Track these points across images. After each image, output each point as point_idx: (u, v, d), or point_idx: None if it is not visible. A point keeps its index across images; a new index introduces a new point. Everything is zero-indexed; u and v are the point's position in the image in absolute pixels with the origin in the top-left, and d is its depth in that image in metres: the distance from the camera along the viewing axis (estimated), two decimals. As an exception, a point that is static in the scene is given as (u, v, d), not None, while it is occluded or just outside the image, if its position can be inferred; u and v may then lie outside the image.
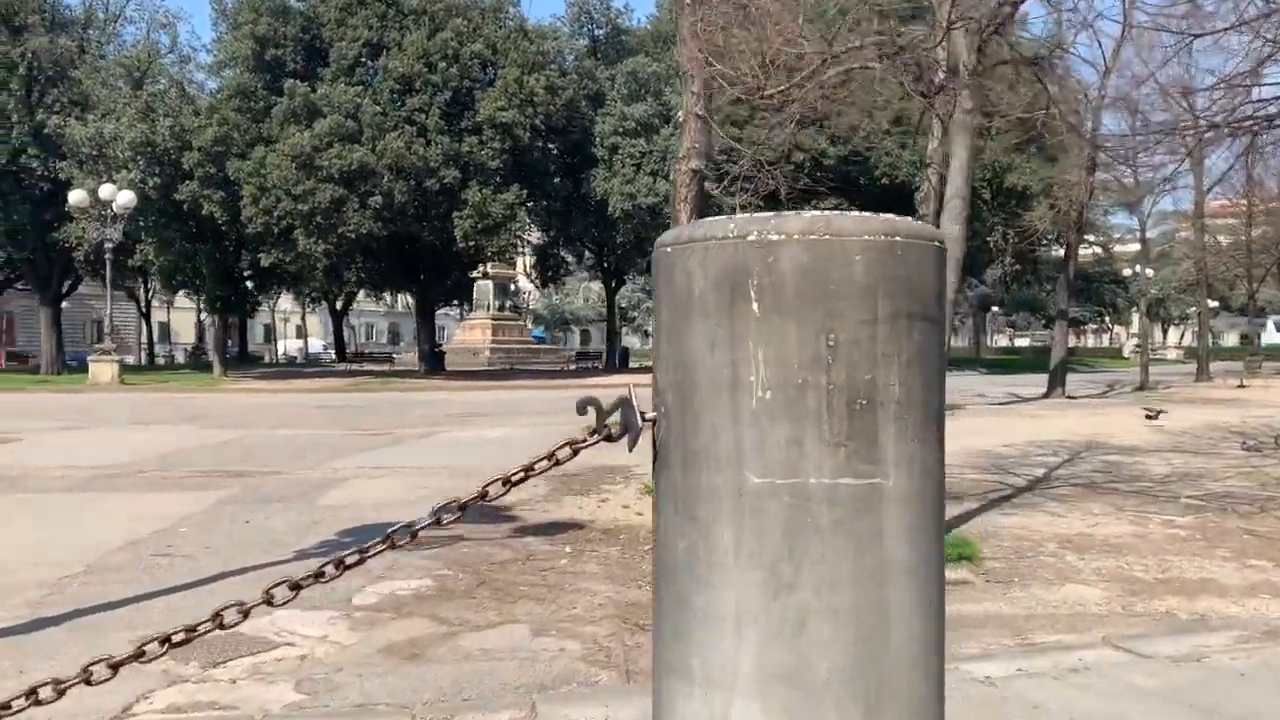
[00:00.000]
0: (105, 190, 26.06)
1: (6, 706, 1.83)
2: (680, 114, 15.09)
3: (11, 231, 31.91)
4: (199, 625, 1.82)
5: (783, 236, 1.68)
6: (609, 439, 1.91)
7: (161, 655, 1.89)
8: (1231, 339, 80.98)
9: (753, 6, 6.45)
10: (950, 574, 5.91)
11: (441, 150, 28.67)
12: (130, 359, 55.78)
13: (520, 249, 38.06)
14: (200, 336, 59.73)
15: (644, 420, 1.90)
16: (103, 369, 26.83)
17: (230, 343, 59.86)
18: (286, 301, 66.94)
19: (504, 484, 1.89)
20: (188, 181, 28.34)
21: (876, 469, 1.69)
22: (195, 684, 4.08)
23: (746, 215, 1.75)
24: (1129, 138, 11.45)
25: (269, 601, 1.83)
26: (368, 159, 27.46)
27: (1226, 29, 8.93)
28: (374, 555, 1.87)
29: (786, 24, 6.24)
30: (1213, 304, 49.57)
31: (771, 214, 1.73)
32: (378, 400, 23.07)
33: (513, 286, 52.30)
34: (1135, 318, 43.69)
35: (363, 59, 30.90)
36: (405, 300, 64.91)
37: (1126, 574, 5.99)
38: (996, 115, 20.29)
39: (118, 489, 9.18)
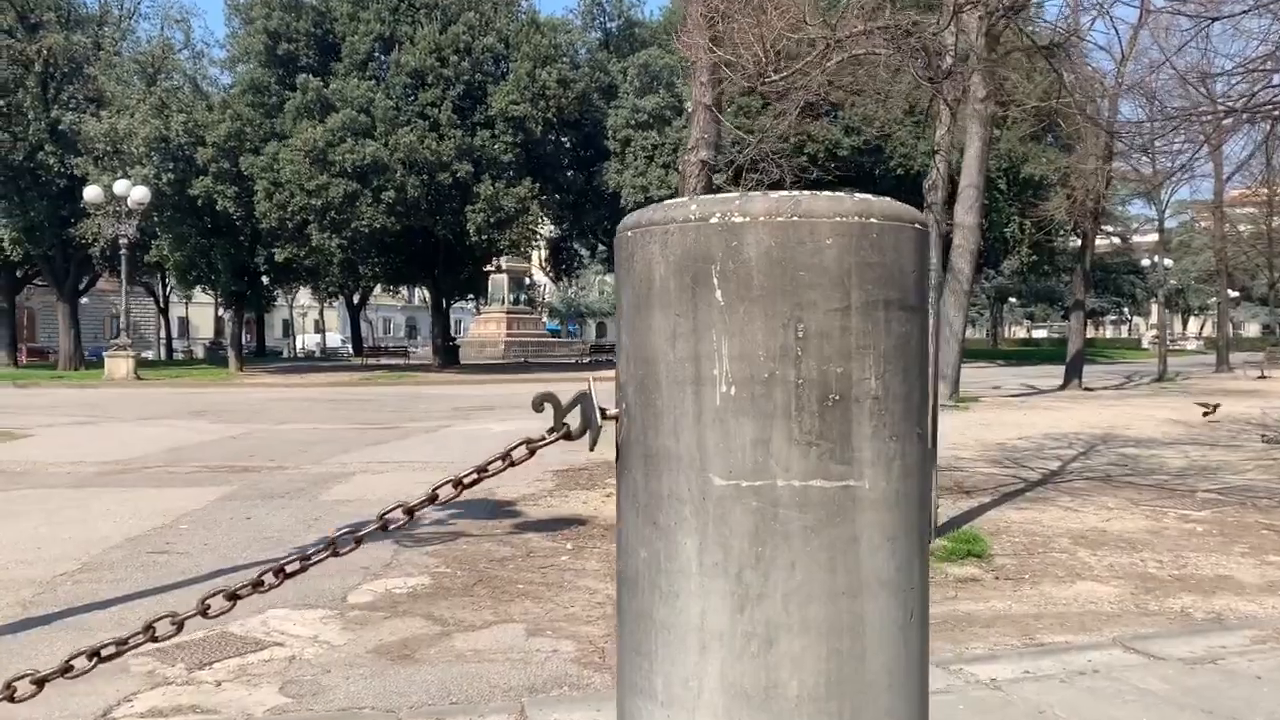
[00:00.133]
0: (120, 186, 26.11)
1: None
2: (689, 105, 14.95)
3: (29, 228, 32.04)
4: (101, 648, 1.70)
5: (747, 219, 1.56)
6: (568, 437, 1.79)
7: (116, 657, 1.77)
8: (1253, 329, 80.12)
9: (757, -9, 6.32)
10: (958, 571, 5.79)
11: (454, 144, 28.59)
12: (150, 354, 56.15)
13: (534, 243, 37.94)
14: (218, 331, 59.95)
15: (604, 417, 1.78)
16: (118, 364, 26.92)
17: (249, 338, 60.16)
18: (305, 296, 67.17)
19: (455, 486, 1.77)
20: (202, 177, 28.35)
21: (851, 470, 1.56)
22: (179, 686, 3.99)
23: (710, 196, 1.63)
24: (1145, 124, 11.23)
25: (204, 613, 1.72)
26: (380, 154, 27.41)
27: (1244, 12, 8.72)
28: (316, 563, 1.75)
29: (790, 8, 6.09)
30: (1233, 294, 49.06)
31: (736, 194, 1.60)
32: (389, 394, 23.05)
33: (527, 280, 52.25)
34: (1154, 308, 43.18)
35: (375, 53, 30.84)
36: (422, 294, 65.03)
37: (1140, 570, 5.83)
38: (1011, 104, 20.11)
39: (122, 484, 9.13)
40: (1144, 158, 21.80)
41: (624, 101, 31.93)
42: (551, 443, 1.79)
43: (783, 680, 1.54)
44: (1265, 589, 5.41)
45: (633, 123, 31.06)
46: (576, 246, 43.30)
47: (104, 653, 1.70)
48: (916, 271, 1.63)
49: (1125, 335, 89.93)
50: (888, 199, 1.67)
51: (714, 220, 1.57)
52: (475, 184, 29.04)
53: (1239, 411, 16.22)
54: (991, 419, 14.98)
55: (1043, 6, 21.50)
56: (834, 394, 1.54)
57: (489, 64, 30.85)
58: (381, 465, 10.31)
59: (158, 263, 32.92)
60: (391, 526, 1.75)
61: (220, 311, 51.75)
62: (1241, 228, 39.13)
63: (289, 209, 27.38)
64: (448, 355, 35.86)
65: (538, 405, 1.77)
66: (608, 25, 36.98)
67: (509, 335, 44.56)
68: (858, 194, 1.62)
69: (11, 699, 1.69)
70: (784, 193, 1.59)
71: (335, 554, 1.72)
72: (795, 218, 1.55)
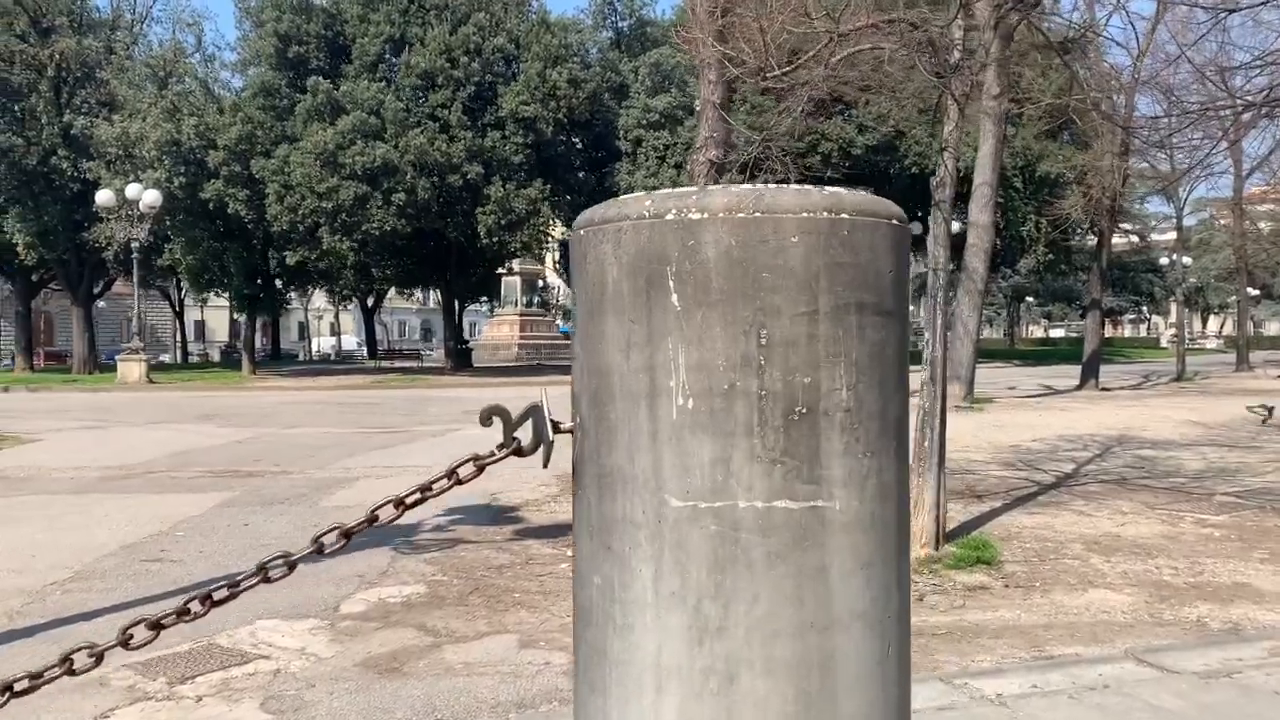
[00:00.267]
0: (131, 190, 26.17)
1: None
2: (697, 103, 14.81)
3: (43, 232, 32.17)
4: (14, 681, 1.58)
5: (705, 215, 1.42)
6: (519, 453, 1.66)
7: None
8: (1274, 328, 79.34)
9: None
10: (967, 579, 5.63)
11: (464, 146, 28.52)
12: (166, 357, 56.40)
13: (546, 244, 37.86)
14: (233, 335, 60.17)
15: (558, 431, 1.65)
16: (131, 368, 26.98)
17: (264, 341, 60.32)
18: (320, 299, 67.36)
19: (396, 506, 1.65)
20: (213, 180, 28.38)
21: (819, 490, 1.42)
22: (158, 701, 3.88)
23: (668, 190, 1.49)
24: (1161, 119, 11.02)
25: (125, 644, 1.60)
26: (391, 156, 27.36)
27: (1263, 3, 8.52)
28: (245, 589, 1.63)
29: (793, 1, 5.94)
30: (1253, 292, 48.52)
31: (695, 188, 1.47)
32: (399, 398, 22.99)
33: (540, 282, 52.17)
34: (1173, 307, 42.74)
35: (385, 55, 30.81)
36: (437, 297, 65.11)
37: (1155, 578, 5.66)
38: (1026, 102, 19.86)
39: (123, 490, 9.06)
40: (1161, 154, 21.54)
41: (635, 101, 31.79)
42: (501, 459, 1.66)
43: (745, 723, 1.41)
44: (1285, 598, 5.23)
45: (644, 123, 30.92)
46: (589, 248, 43.06)
47: (16, 687, 1.58)
48: (894, 272, 1.49)
49: (1144, 334, 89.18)
50: (861, 192, 1.53)
51: (669, 217, 1.44)
52: (486, 186, 28.97)
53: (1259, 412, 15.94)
54: (1006, 420, 14.78)
55: (1059, 1, 21.17)
56: (801, 407, 1.41)
57: (499, 65, 30.76)
58: (386, 470, 10.21)
59: (171, 266, 32.96)
60: (330, 549, 1.63)
61: (235, 315, 51.92)
62: (1262, 225, 38.68)
63: (300, 212, 27.37)
64: (460, 358, 35.80)
65: (485, 419, 1.64)
66: (619, 24, 36.86)
67: (522, 338, 44.48)
68: (828, 188, 1.49)
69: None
70: (746, 186, 1.45)
71: (231, 593, 1.60)
72: (758, 214, 1.42)
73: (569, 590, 5.73)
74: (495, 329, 47.35)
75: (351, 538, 1.64)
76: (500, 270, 39.64)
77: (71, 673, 1.60)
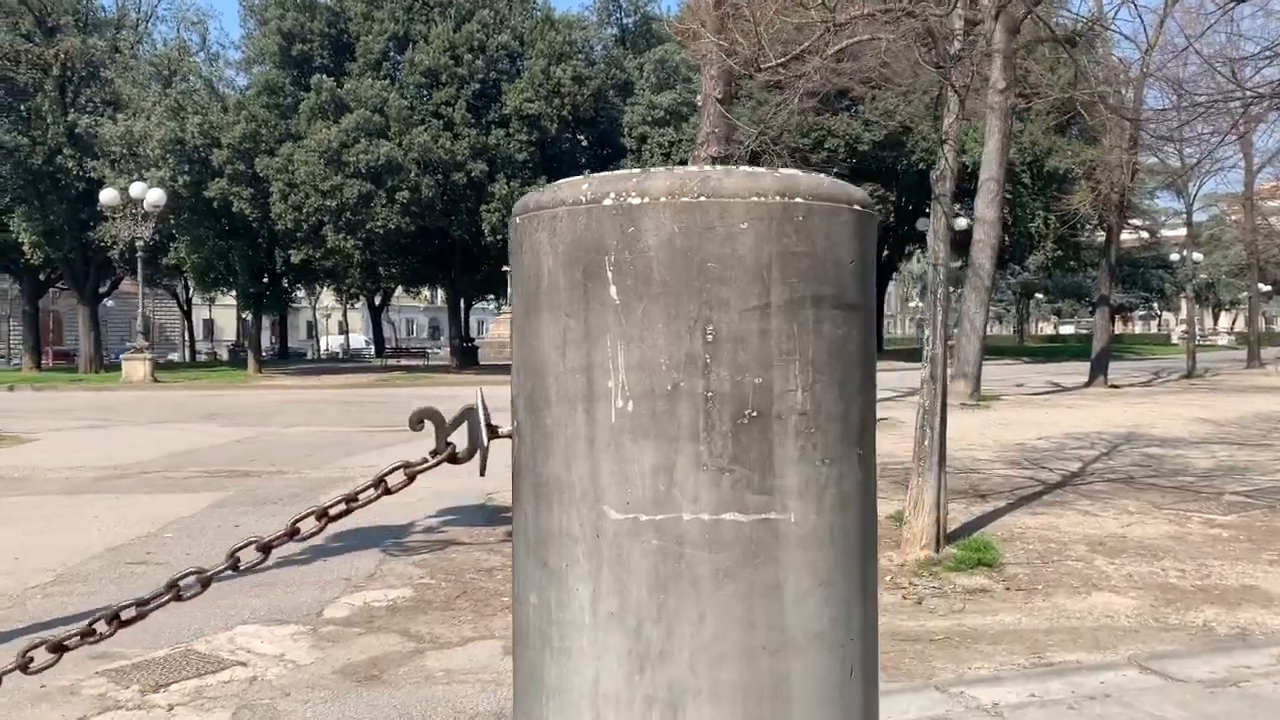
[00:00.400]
0: (136, 189, 26.11)
1: None
2: (698, 98, 14.68)
3: (49, 231, 32.15)
4: None
5: (646, 199, 1.30)
6: (453, 460, 1.54)
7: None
8: (1286, 324, 78.80)
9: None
10: (967, 581, 5.50)
11: (468, 144, 28.42)
12: (175, 356, 56.48)
13: (552, 242, 37.61)
14: (242, 333, 60.23)
15: (495, 436, 1.53)
16: (135, 367, 26.94)
17: (273, 339, 60.31)
18: (328, 298, 67.38)
19: (319, 519, 1.53)
20: (217, 179, 28.33)
21: (771, 501, 1.30)
22: (129, 711, 3.77)
23: (607, 173, 1.37)
24: (1169, 111, 10.84)
25: (23, 668, 1.48)
26: (395, 154, 27.28)
27: (1272, -8, 8.36)
28: (155, 608, 1.51)
29: (788, -9, 5.81)
30: (1265, 288, 48.10)
31: (636, 171, 1.35)
32: (403, 396, 22.89)
33: (547, 280, 51.96)
34: (1183, 303, 42.37)
35: (389, 52, 30.72)
36: (444, 295, 65.09)
37: (1161, 580, 5.52)
38: (1034, 96, 19.67)
39: (117, 491, 8.97)
40: (1171, 149, 21.31)
41: (640, 98, 31.64)
42: (433, 466, 1.54)
43: (690, 757, 1.28)
44: (1294, 601, 5.08)
45: (649, 119, 30.76)
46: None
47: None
48: (856, 262, 1.37)
49: (1155, 331, 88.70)
50: (820, 175, 1.40)
51: (608, 202, 1.31)
52: (490, 183, 28.86)
53: (1269, 409, 15.75)
54: (1012, 418, 14.62)
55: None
56: (751, 409, 1.28)
57: (503, 62, 30.65)
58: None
59: (176, 265, 32.93)
60: (246, 566, 1.51)
61: (242, 313, 51.96)
62: (1274, 220, 38.32)
63: (304, 210, 27.30)
64: (466, 356, 35.71)
65: (415, 423, 1.52)
66: (624, 21, 36.71)
67: (528, 335, 44.26)
68: (783, 170, 1.36)
69: None
70: (692, 168, 1.33)
71: (139, 613, 1.49)
72: (703, 198, 1.29)
73: (559, 593, 5.60)
74: (501, 327, 47.23)
75: (270, 551, 1.52)
76: (505, 268, 39.52)
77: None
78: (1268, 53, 9.14)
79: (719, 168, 1.32)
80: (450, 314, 37.70)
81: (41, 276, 37.64)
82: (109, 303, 50.30)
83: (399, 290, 55.39)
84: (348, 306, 72.93)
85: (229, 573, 1.52)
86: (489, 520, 7.46)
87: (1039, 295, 75.20)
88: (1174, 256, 41.70)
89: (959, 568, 5.69)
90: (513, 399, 1.46)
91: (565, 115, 30.02)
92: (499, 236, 29.40)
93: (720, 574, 1.28)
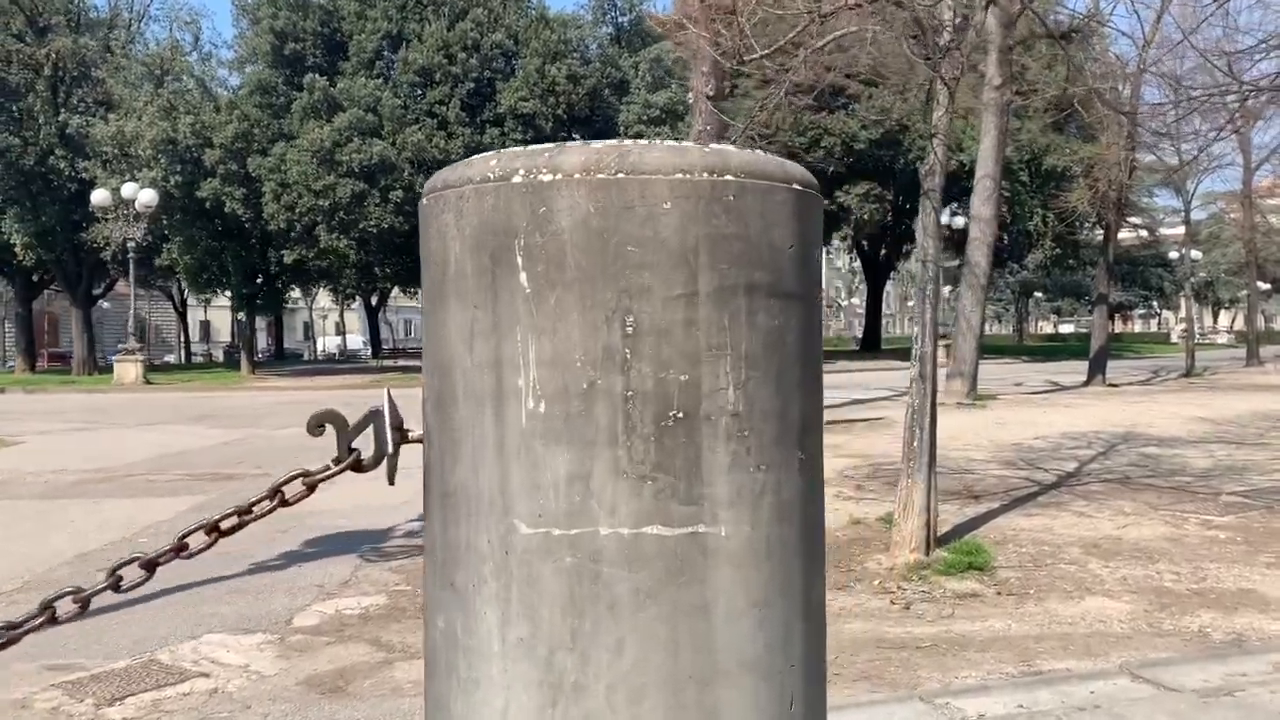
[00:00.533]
0: (127, 189, 25.93)
1: None
2: (690, 96, 14.53)
3: (41, 233, 31.96)
4: None
5: (558, 176, 1.16)
6: (358, 468, 1.41)
7: None
8: (1285, 322, 78.69)
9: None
10: (958, 585, 5.36)
11: (463, 143, 28.29)
12: (171, 358, 56.26)
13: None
14: (237, 335, 60.10)
15: (406, 440, 1.40)
16: (127, 369, 26.76)
17: (269, 340, 60.12)
18: (325, 299, 67.22)
19: (209, 533, 1.39)
20: (210, 179, 28.16)
21: (700, 512, 1.16)
22: (82, 725, 3.64)
23: (519, 148, 1.23)
24: (1165, 105, 10.71)
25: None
26: (388, 153, 27.14)
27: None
28: (26, 632, 1.37)
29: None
30: (1264, 286, 48.00)
31: (549, 145, 1.21)
32: (396, 396, 22.73)
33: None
34: (1183, 301, 42.17)
35: (383, 51, 30.58)
36: (439, 295, 64.75)
37: (1156, 584, 5.38)
38: (1031, 93, 19.52)
39: (96, 495, 8.83)
40: (1168, 145, 21.18)
41: (636, 97, 31.52)
42: (336, 474, 1.41)
43: (608, 801, 1.15)
44: (1292, 605, 4.94)
45: (645, 118, 30.63)
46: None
47: None
48: (796, 247, 1.23)
49: (1154, 329, 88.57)
50: (756, 151, 1.27)
51: (517, 180, 1.17)
52: (485, 183, 28.66)
53: (1267, 408, 15.62)
54: (1009, 417, 14.48)
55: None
56: (676, 410, 1.15)
57: (498, 61, 30.51)
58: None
59: (170, 266, 32.76)
60: (128, 586, 1.37)
61: (237, 314, 51.84)
62: (1273, 219, 38.18)
63: (297, 210, 27.15)
64: (462, 356, 35.47)
65: (314, 428, 1.38)
66: (619, 20, 36.58)
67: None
68: (714, 144, 1.22)
69: None
70: (610, 141, 1.19)
71: None
72: (621, 174, 1.15)
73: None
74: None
75: (155, 570, 1.38)
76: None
77: None
78: (1264, 46, 9.01)
79: (640, 141, 1.18)
80: (446, 314, 37.47)
81: (35, 278, 37.47)
82: (104, 304, 50.11)
83: (396, 290, 55.21)
84: (344, 307, 72.79)
85: (109, 593, 1.38)
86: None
87: (1038, 294, 75.07)
88: (1173, 255, 41.58)
89: (949, 571, 5.55)
90: (423, 399, 1.32)
91: (560, 114, 29.89)
92: (494, 236, 29.21)
93: (641, 595, 1.14)
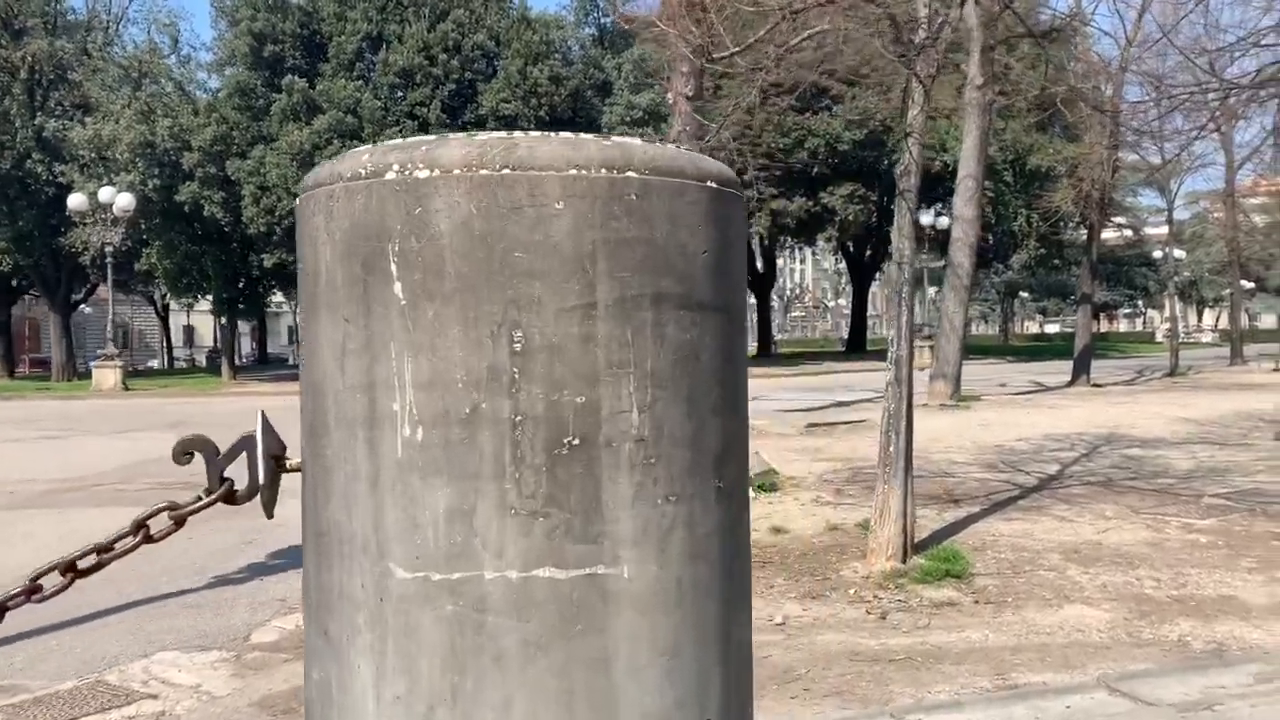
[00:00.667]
0: (104, 193, 25.62)
1: None
2: (669, 96, 14.41)
3: (18, 238, 31.58)
4: None
5: (436, 173, 1.02)
6: (230, 499, 1.27)
7: None
8: (1269, 321, 79.13)
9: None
10: (934, 594, 5.25)
11: (445, 145, 28.04)
12: (155, 363, 55.79)
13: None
14: (220, 339, 59.67)
15: (283, 470, 1.26)
16: (106, 375, 26.45)
17: (252, 345, 59.66)
18: (308, 303, 66.79)
19: (64, 572, 1.25)
20: (188, 182, 27.87)
21: (599, 551, 1.03)
22: (18, 752, 3.48)
23: (395, 140, 1.10)
24: (1146, 103, 10.64)
25: None
26: (370, 155, 26.85)
27: (1247, -20, 8.17)
28: None
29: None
30: (1247, 285, 48.20)
31: (428, 138, 1.07)
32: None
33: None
34: (1167, 301, 42.23)
35: (363, 53, 30.31)
36: (423, 298, 64.58)
37: (1136, 591, 5.27)
38: (1014, 93, 19.48)
39: (61, 505, 8.64)
40: (1151, 145, 21.19)
41: (619, 98, 31.37)
42: (206, 506, 1.27)
43: None
44: (1273, 611, 4.85)
45: (628, 119, 30.47)
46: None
47: None
48: (710, 253, 1.10)
49: (1139, 328, 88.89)
50: (665, 145, 1.13)
51: (390, 177, 1.04)
52: (468, 185, 28.48)
53: (1251, 407, 15.59)
54: (992, 419, 14.39)
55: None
56: (572, 437, 1.02)
57: (479, 62, 30.31)
58: (342, 478, 9.80)
59: (149, 271, 32.42)
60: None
61: (218, 319, 51.46)
62: (1256, 218, 38.30)
63: (277, 213, 26.87)
64: (446, 359, 35.28)
65: (179, 455, 1.25)
66: (601, 20, 36.44)
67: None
68: (615, 137, 1.09)
69: None
70: (496, 134, 1.06)
71: None
72: (507, 170, 1.02)
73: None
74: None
75: (4, 615, 1.24)
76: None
77: None
78: (1245, 43, 8.95)
79: (531, 133, 1.05)
80: (430, 318, 37.26)
81: (13, 283, 37.05)
82: (85, 309, 49.63)
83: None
84: (329, 311, 72.41)
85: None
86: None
87: (1023, 294, 75.22)
88: (1157, 254, 41.68)
89: (926, 579, 5.44)
90: (302, 424, 1.19)
91: (543, 116, 29.68)
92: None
93: (531, 646, 1.01)
